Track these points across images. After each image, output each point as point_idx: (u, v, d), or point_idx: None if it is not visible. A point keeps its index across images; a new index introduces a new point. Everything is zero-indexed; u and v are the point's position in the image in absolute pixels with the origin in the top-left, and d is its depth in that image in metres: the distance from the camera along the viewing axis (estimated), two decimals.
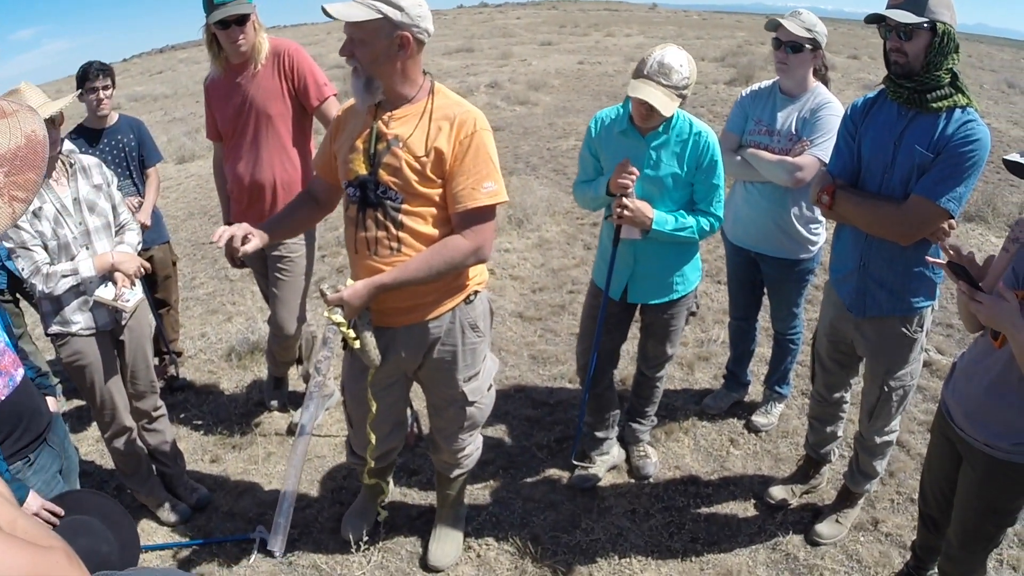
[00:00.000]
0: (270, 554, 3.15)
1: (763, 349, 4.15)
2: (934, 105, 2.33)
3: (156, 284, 4.43)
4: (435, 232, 2.43)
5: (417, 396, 3.02)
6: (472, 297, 2.63)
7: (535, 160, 9.41)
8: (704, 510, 3.29)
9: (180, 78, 22.94)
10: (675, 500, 3.35)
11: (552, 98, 13.80)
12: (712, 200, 2.92)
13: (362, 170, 2.41)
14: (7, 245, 2.81)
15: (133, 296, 3.03)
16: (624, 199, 2.82)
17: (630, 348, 3.98)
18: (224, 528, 3.36)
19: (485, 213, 2.40)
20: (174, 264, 4.61)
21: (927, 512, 2.59)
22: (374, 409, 2.75)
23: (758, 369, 4.05)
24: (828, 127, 3.04)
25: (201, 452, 3.93)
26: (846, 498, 3.12)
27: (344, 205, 2.57)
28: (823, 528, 3.07)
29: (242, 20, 3.30)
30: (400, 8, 2.22)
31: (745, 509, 3.28)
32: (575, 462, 3.52)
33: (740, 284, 3.71)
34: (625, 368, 4.27)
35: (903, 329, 2.63)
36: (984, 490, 2.20)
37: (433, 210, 2.41)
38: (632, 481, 3.49)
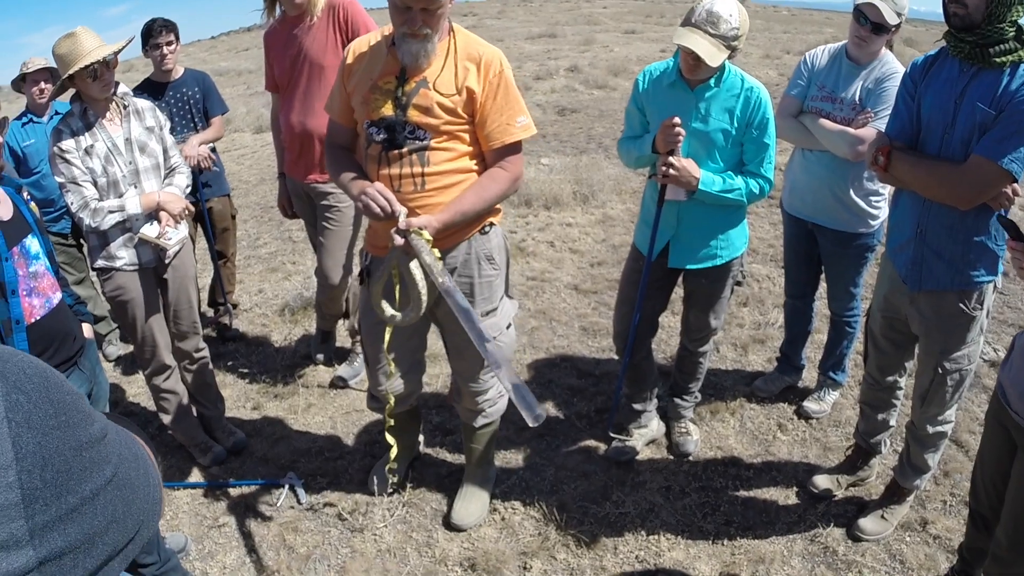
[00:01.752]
0: (298, 502, 3.17)
1: (821, 335, 3.94)
2: (997, 60, 2.13)
3: (215, 235, 4.50)
4: (456, 167, 2.46)
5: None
6: (487, 228, 2.63)
7: (608, 141, 9.27)
8: (742, 493, 3.13)
9: None
10: (713, 481, 3.21)
11: (631, 84, 13.58)
12: (763, 160, 2.77)
13: (389, 111, 2.40)
14: (58, 180, 2.88)
15: (176, 235, 3.06)
16: (670, 157, 2.70)
17: (676, 323, 3.84)
18: (257, 472, 3.40)
19: (518, 146, 2.51)
20: (233, 218, 4.68)
21: (977, 510, 2.38)
22: (387, 337, 2.64)
23: (815, 356, 3.85)
24: (893, 99, 2.84)
25: (244, 399, 3.98)
26: (894, 493, 2.90)
27: (364, 143, 2.52)
28: (867, 523, 2.88)
29: None
30: None
31: (786, 496, 3.11)
32: (612, 434, 3.41)
33: (796, 258, 3.51)
34: (670, 341, 4.13)
35: (961, 305, 2.41)
36: None
37: (458, 146, 2.44)
38: (670, 458, 3.37)
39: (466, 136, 2.44)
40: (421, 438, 3.44)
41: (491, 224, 2.63)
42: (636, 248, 3.14)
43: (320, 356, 4.31)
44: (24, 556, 0.56)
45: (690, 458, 3.34)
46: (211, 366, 3.53)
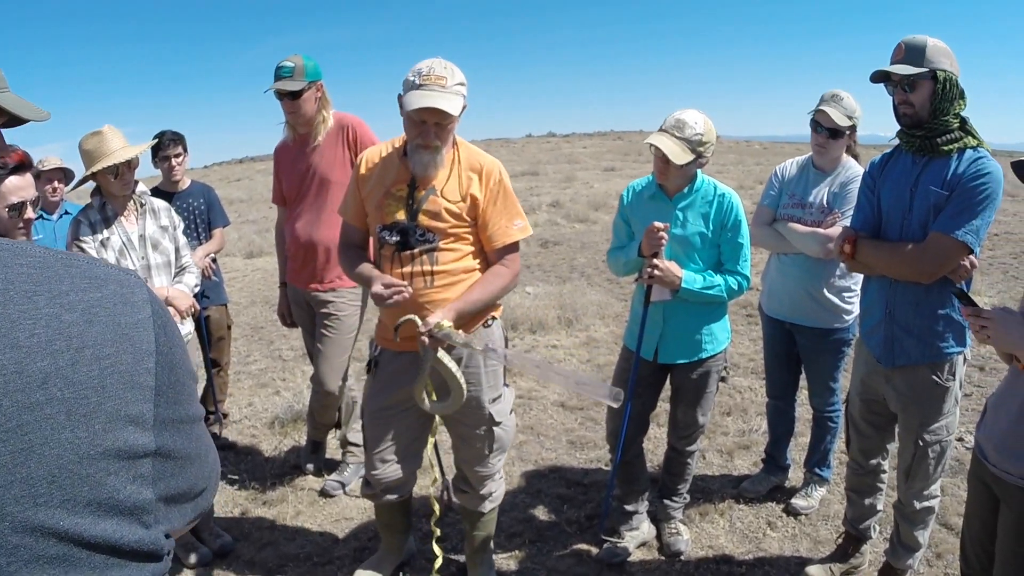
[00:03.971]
0: None
1: (804, 438, 4.03)
2: (945, 148, 2.45)
3: (211, 344, 4.59)
4: (462, 266, 2.71)
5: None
6: (490, 322, 2.85)
7: (590, 271, 9.57)
8: None
9: (256, 186, 24.13)
10: None
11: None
12: (739, 259, 3.03)
13: (401, 216, 2.66)
14: None
15: (180, 330, 3.16)
16: (654, 259, 2.93)
17: (662, 434, 3.91)
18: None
19: (516, 245, 2.78)
20: (229, 328, 4.79)
21: (969, 573, 2.43)
22: (431, 444, 2.86)
23: (799, 457, 3.93)
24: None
25: (232, 505, 3.95)
26: (889, 575, 2.94)
27: (377, 244, 2.77)
28: None
29: (294, 95, 3.58)
30: (465, 84, 2.56)
31: None
32: (604, 536, 3.42)
33: (777, 359, 3.67)
34: (657, 448, 4.19)
35: (934, 377, 2.59)
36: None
37: (463, 247, 2.70)
38: (662, 558, 3.36)
39: (470, 237, 2.70)
40: (412, 541, 3.43)
41: (493, 318, 2.85)
42: (626, 347, 3.29)
43: (310, 466, 4.30)
44: (147, 438, 0.65)
45: (682, 557, 3.33)
46: None
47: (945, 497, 3.25)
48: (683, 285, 2.94)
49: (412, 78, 2.49)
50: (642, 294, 3.14)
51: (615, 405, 2.40)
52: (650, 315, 3.09)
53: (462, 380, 2.56)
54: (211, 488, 0.84)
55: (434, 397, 2.71)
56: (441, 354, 2.51)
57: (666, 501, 3.47)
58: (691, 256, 3.03)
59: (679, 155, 2.86)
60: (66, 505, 0.58)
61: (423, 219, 2.63)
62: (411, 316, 2.54)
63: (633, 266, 3.12)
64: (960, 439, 4.15)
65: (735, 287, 3.00)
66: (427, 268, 2.66)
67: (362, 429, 3.00)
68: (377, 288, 2.55)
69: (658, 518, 3.52)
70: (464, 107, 2.58)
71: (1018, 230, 10.19)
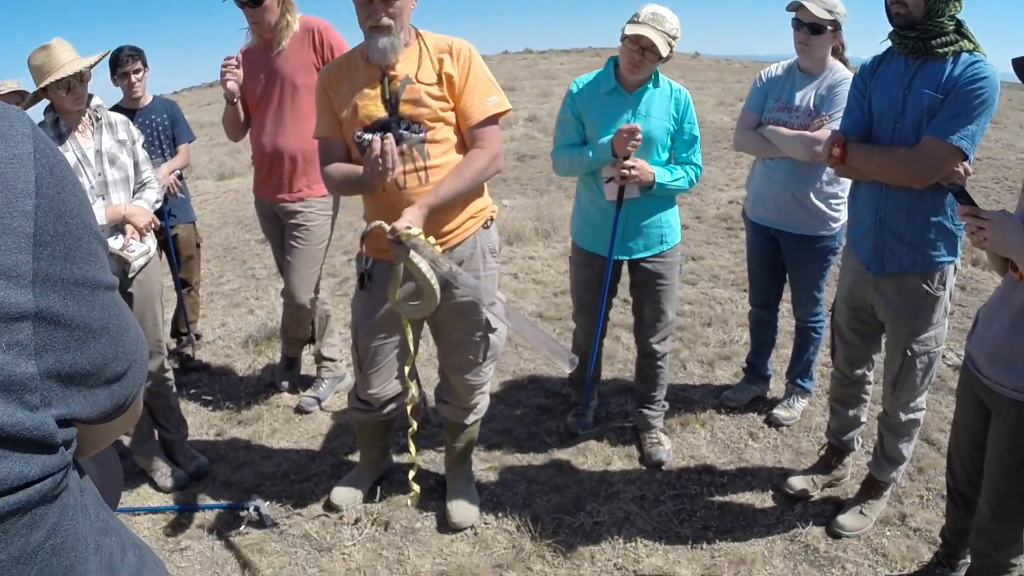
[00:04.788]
0: (262, 524, 3.07)
1: (785, 350, 4.00)
2: (940, 51, 2.32)
3: (180, 263, 4.44)
4: (455, 156, 2.59)
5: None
6: (488, 223, 2.76)
7: (567, 183, 9.40)
8: (718, 499, 3.12)
9: None
10: (687, 488, 3.19)
11: None
12: (695, 151, 3.10)
13: (381, 112, 2.52)
14: None
15: (139, 248, 3.02)
16: (628, 159, 2.90)
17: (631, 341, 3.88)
18: (220, 496, 3.29)
19: (492, 123, 2.61)
20: (198, 246, 4.63)
21: (955, 487, 2.40)
22: (410, 336, 2.68)
23: (781, 369, 3.90)
24: (846, 101, 2.98)
25: (206, 426, 3.88)
26: (871, 488, 2.92)
27: (358, 153, 2.60)
28: (846, 519, 2.88)
29: (255, 2, 3.37)
30: None
31: (762, 500, 3.11)
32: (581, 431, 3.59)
33: (760, 265, 3.59)
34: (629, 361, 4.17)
35: (924, 286, 2.51)
36: (1017, 442, 2.01)
37: (452, 135, 2.58)
38: (643, 468, 3.35)
39: (455, 123, 2.58)
40: (390, 456, 3.39)
41: (491, 219, 2.77)
42: (585, 252, 3.27)
43: (285, 383, 4.23)
44: (24, 295, 0.54)
45: (663, 467, 3.33)
46: (175, 388, 3.44)
47: (927, 412, 3.24)
48: (657, 180, 2.96)
49: None
50: (591, 193, 3.14)
51: (569, 370, 2.40)
52: (607, 215, 3.09)
53: (435, 283, 2.45)
54: (134, 372, 0.72)
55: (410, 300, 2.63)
56: (413, 255, 2.39)
57: (644, 410, 3.44)
58: (653, 150, 3.03)
59: (663, 46, 2.83)
60: None
61: (405, 109, 2.50)
62: (379, 222, 2.43)
63: (595, 165, 3.06)
64: (942, 355, 4.14)
65: (694, 177, 3.09)
66: (420, 164, 2.53)
67: (354, 348, 2.88)
68: (365, 173, 2.38)
69: (638, 428, 3.51)
70: None
71: (1000, 156, 10.10)
